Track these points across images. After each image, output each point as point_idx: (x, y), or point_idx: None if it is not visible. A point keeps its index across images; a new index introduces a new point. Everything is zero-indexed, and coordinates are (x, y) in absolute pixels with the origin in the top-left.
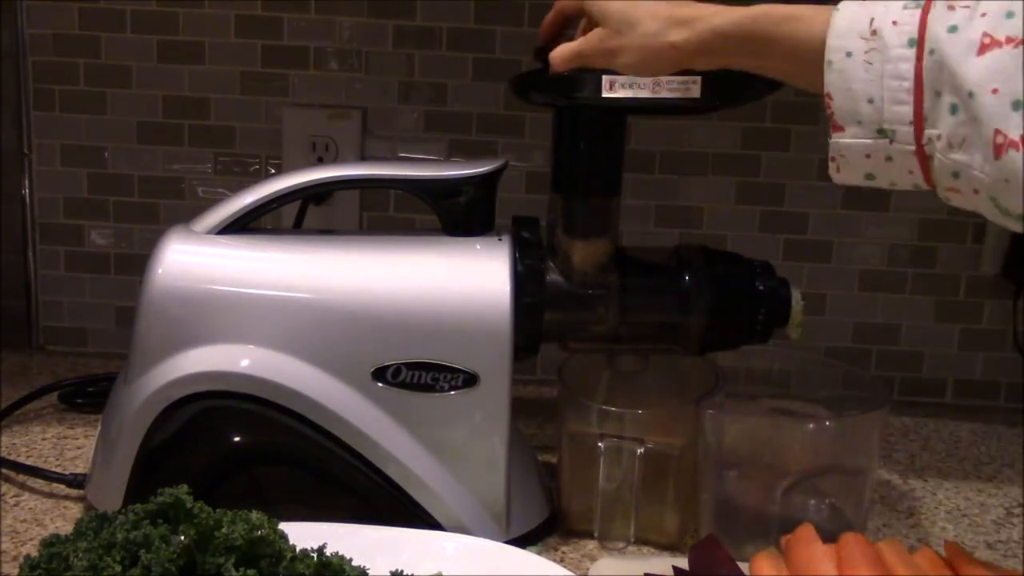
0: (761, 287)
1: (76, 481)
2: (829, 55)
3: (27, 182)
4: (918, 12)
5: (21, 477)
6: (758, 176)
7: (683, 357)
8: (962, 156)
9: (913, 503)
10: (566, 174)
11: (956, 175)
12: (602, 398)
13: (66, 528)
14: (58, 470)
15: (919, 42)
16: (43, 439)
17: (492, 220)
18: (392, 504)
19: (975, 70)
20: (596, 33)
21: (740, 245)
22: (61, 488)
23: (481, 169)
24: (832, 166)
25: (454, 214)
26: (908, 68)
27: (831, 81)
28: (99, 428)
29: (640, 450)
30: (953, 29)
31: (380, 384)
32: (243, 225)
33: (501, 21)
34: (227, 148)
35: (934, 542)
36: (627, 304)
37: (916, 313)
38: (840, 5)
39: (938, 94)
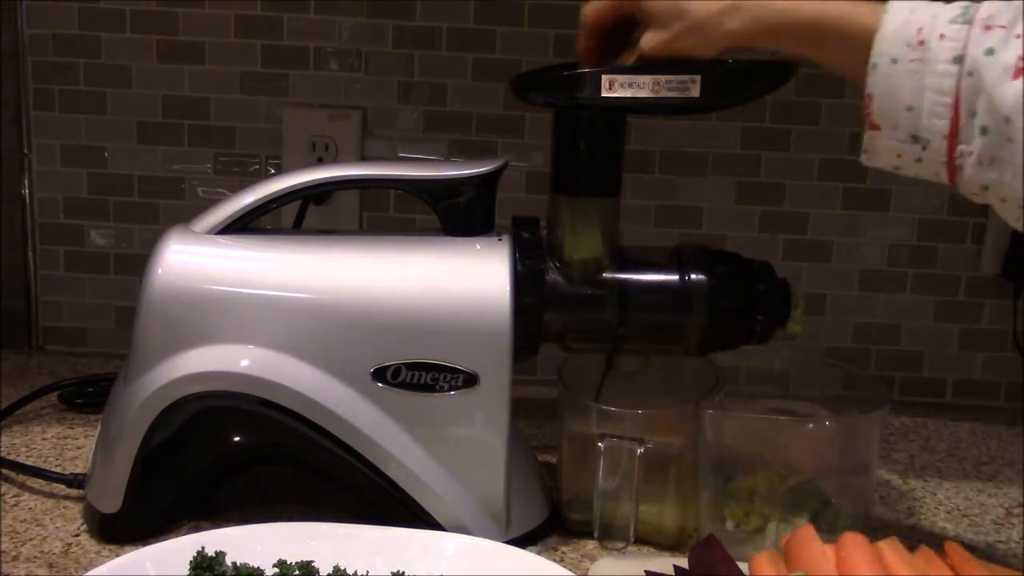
0: (761, 287)
1: (76, 481)
2: (874, 58)
3: (27, 182)
4: (965, 28)
5: (21, 477)
6: (758, 176)
7: (683, 357)
8: (992, 173)
9: (913, 503)
10: (566, 174)
11: (985, 188)
12: (602, 398)
13: (66, 528)
14: (58, 470)
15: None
16: (43, 439)
17: (492, 220)
18: (392, 504)
19: (1011, 95)
20: (649, 35)
21: (740, 245)
22: (61, 488)
23: (481, 169)
24: (864, 156)
25: (454, 214)
26: (950, 84)
27: (874, 83)
28: (99, 428)
29: (640, 450)
30: (990, 52)
31: (380, 384)
32: (243, 225)
33: (501, 21)
34: (227, 148)
35: (934, 542)
36: (627, 304)
37: (916, 313)
38: (889, 6)
39: (972, 114)
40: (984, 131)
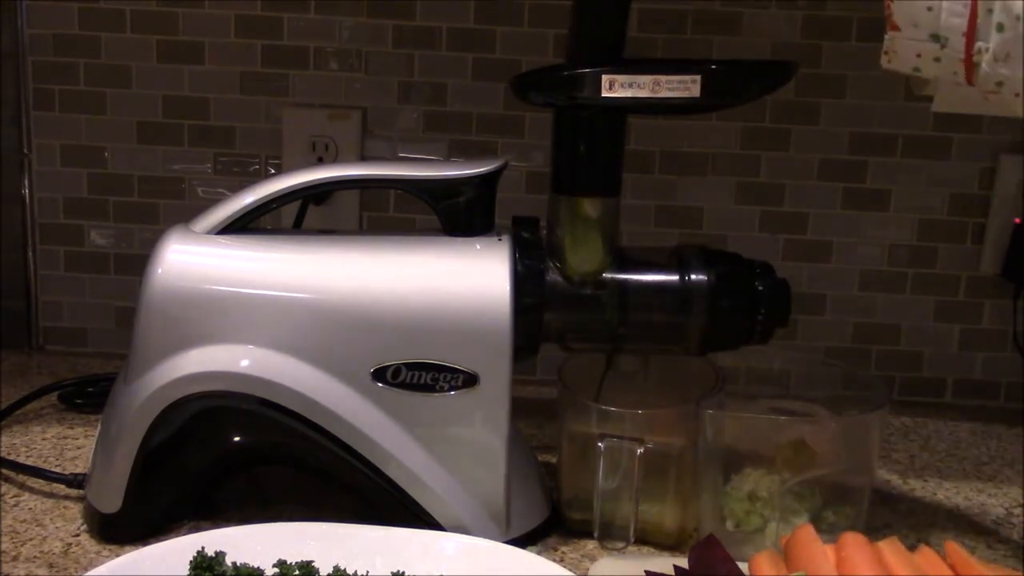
0: (761, 287)
1: (76, 481)
2: None
3: (27, 182)
4: None
5: (21, 477)
6: (758, 176)
7: (683, 357)
8: (1005, 70)
9: (913, 503)
10: (566, 174)
11: (1000, 84)
12: (602, 398)
13: (66, 528)
14: (58, 470)
15: None
16: (43, 439)
17: (492, 220)
18: (392, 504)
19: None
20: None
21: (740, 245)
22: (61, 488)
23: (481, 169)
24: (884, 57)
25: (454, 214)
26: None
27: None
28: (99, 428)
29: (640, 450)
30: None
31: (380, 384)
32: (243, 225)
33: (501, 21)
34: (227, 148)
35: (934, 542)
36: (627, 304)
37: (916, 313)
38: None
39: (989, 11)
40: (1000, 28)
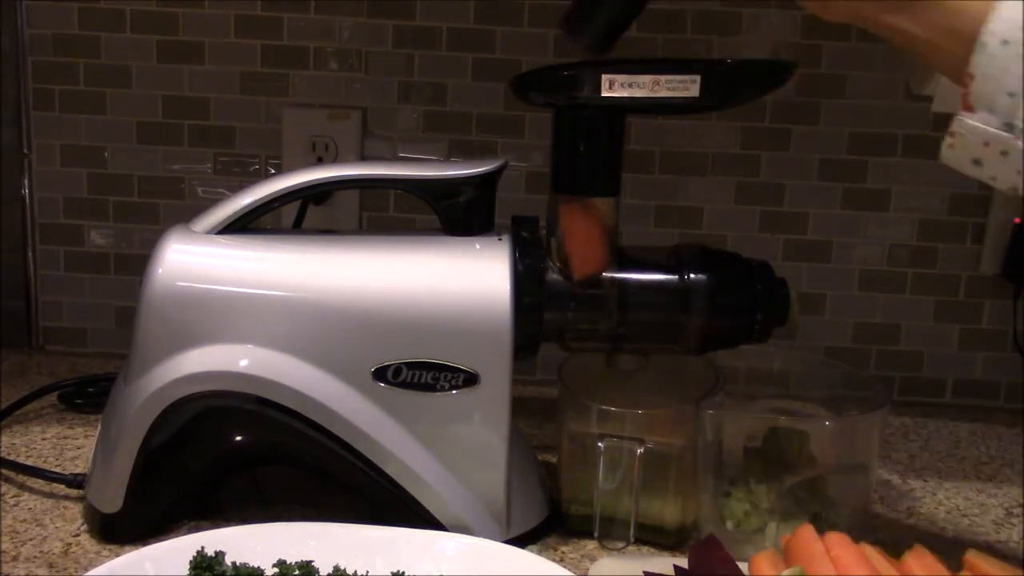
0: (760, 287)
1: (76, 481)
2: (984, 36)
3: (27, 182)
4: None
5: (21, 477)
6: (758, 176)
7: (683, 357)
8: None
9: (913, 503)
10: (566, 174)
11: None
12: (602, 398)
13: (66, 528)
14: (58, 470)
15: None
16: (43, 439)
17: (492, 220)
18: (392, 503)
19: None
20: None
21: (740, 245)
22: (61, 488)
23: (481, 169)
24: (947, 141)
25: (454, 214)
26: None
27: (978, 62)
28: (99, 428)
29: (640, 450)
30: None
31: (381, 384)
32: (243, 225)
33: (501, 21)
34: (227, 148)
35: (934, 542)
36: (627, 304)
37: (916, 313)
38: None
39: None
40: None
